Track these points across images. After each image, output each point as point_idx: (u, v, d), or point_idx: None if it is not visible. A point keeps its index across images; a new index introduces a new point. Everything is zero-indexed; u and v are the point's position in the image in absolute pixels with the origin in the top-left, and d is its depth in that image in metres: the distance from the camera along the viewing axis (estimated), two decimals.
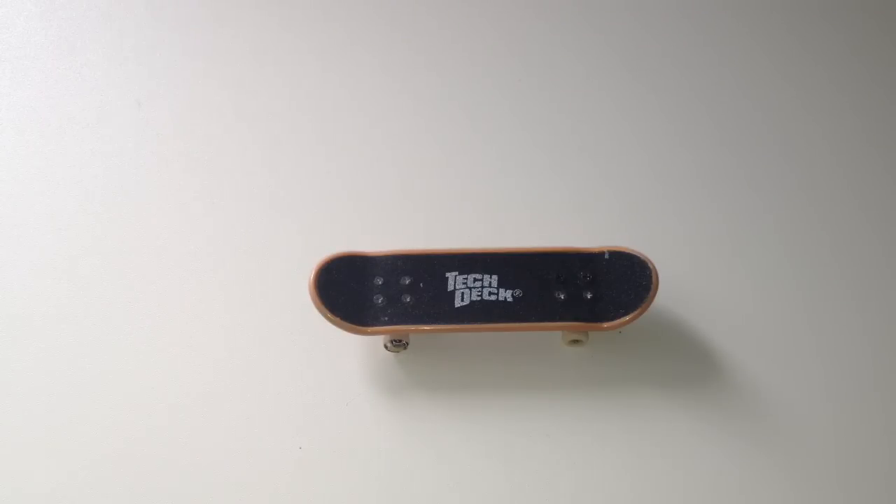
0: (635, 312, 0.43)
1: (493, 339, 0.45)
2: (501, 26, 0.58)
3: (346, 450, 0.41)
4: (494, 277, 0.43)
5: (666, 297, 0.46)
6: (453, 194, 0.51)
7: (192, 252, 0.48)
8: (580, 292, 0.43)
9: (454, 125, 0.54)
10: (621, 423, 0.43)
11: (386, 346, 0.43)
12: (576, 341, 0.44)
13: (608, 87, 0.56)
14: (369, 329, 0.42)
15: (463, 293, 0.43)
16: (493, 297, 0.43)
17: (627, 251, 0.44)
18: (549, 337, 0.44)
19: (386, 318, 0.42)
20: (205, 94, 0.53)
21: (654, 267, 0.44)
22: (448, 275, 0.43)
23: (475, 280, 0.43)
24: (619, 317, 0.42)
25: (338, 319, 0.41)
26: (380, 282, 0.43)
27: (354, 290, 0.43)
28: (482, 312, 0.42)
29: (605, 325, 0.42)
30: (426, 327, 0.42)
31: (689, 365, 0.45)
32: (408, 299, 0.43)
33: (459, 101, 0.55)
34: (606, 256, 0.44)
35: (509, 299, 0.43)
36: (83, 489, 0.41)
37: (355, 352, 0.44)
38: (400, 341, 0.43)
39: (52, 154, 0.51)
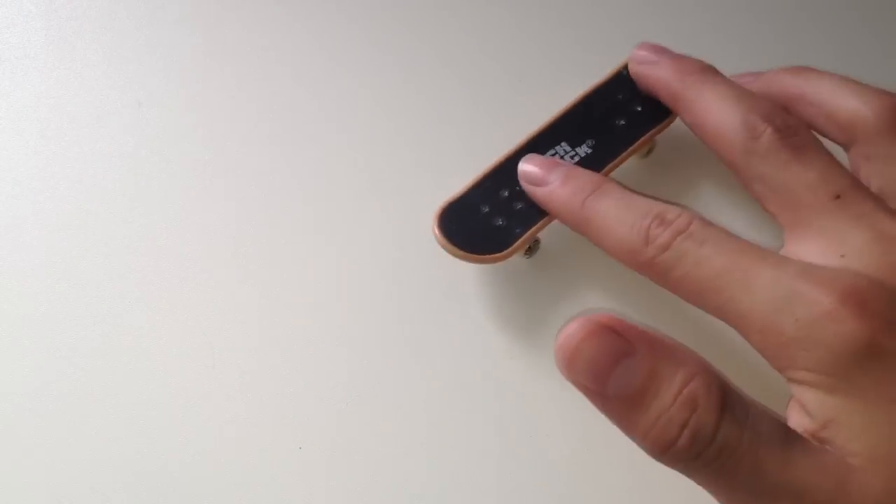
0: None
1: None
2: None
3: None
4: (564, 143, 0.45)
5: None
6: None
7: (194, 253, 0.48)
8: (633, 107, 0.46)
9: None
10: None
11: (525, 254, 0.45)
12: (649, 151, 0.47)
13: None
14: (517, 244, 0.43)
15: None
16: (577, 159, 0.45)
17: None
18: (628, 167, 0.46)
19: (518, 231, 0.43)
20: (205, 94, 0.53)
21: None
22: None
23: (552, 156, 0.45)
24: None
25: (488, 256, 0.42)
26: (486, 209, 0.44)
27: (475, 227, 0.43)
28: None
29: (669, 117, 0.45)
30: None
31: None
32: (518, 206, 0.44)
33: None
34: (625, 73, 0.47)
35: (589, 151, 0.45)
36: (84, 491, 0.41)
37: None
38: (534, 244, 0.45)
39: (52, 154, 0.51)
